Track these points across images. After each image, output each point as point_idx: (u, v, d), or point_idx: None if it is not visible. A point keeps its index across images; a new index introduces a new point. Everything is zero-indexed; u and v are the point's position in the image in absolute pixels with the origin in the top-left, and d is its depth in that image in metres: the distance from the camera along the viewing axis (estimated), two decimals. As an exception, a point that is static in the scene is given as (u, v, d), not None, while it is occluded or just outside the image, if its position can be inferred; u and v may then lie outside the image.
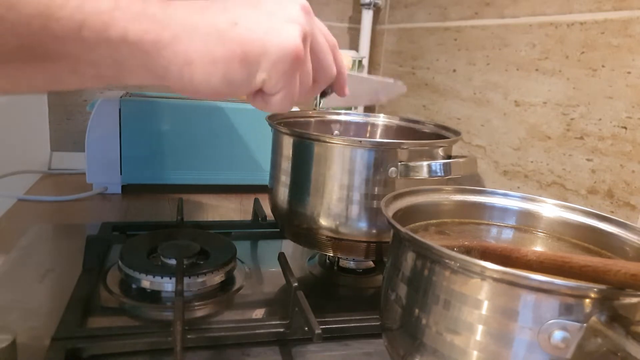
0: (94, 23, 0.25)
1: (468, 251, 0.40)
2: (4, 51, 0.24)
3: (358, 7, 1.10)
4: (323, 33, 0.35)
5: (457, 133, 0.60)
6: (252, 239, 0.69)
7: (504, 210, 0.48)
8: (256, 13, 0.30)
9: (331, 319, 0.47)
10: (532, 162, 0.67)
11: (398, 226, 0.36)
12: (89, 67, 0.26)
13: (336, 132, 0.72)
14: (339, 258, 0.60)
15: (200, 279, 0.52)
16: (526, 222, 0.47)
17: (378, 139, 0.71)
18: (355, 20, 1.14)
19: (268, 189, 0.62)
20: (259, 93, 0.32)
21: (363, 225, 0.53)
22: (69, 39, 0.24)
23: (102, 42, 0.25)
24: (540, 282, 0.29)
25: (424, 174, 0.51)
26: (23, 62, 0.25)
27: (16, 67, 0.25)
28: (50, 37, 0.24)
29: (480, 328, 0.32)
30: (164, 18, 0.27)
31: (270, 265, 0.60)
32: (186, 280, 0.51)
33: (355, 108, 0.49)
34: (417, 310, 0.35)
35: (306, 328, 0.43)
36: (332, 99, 0.41)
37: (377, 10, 1.10)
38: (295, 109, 0.92)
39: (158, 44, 0.26)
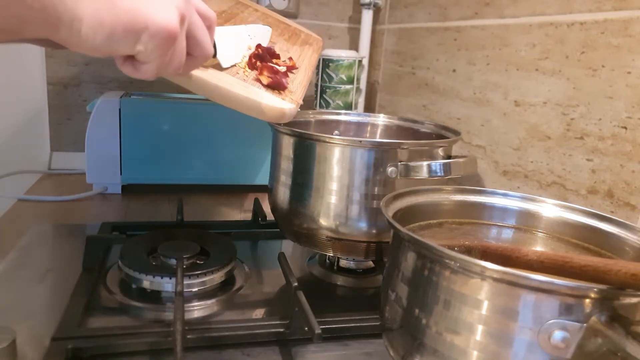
0: None
1: (468, 251, 0.40)
2: None
3: (358, 7, 1.10)
4: (201, 12, 0.39)
5: (457, 133, 0.60)
6: (252, 239, 0.69)
7: (504, 210, 0.48)
8: None
9: (331, 319, 0.47)
10: (532, 162, 0.67)
11: (398, 226, 0.36)
12: None
13: (336, 132, 0.72)
14: (339, 258, 0.60)
15: (200, 279, 0.52)
16: (526, 222, 0.47)
17: (378, 139, 0.71)
18: (355, 20, 1.14)
19: (268, 189, 0.62)
20: (130, 59, 0.36)
21: (363, 225, 0.54)
22: None
23: None
24: (540, 282, 0.29)
25: (424, 174, 0.51)
26: None
27: None
28: None
29: (480, 328, 0.32)
30: None
31: (270, 265, 0.60)
32: (186, 280, 0.51)
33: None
34: (417, 310, 0.35)
35: (306, 328, 0.43)
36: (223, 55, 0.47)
37: (377, 10, 1.10)
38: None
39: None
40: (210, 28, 0.40)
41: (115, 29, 0.32)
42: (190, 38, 0.37)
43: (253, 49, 0.53)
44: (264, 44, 0.55)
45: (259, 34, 0.57)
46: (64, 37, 0.31)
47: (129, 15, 0.32)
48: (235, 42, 0.51)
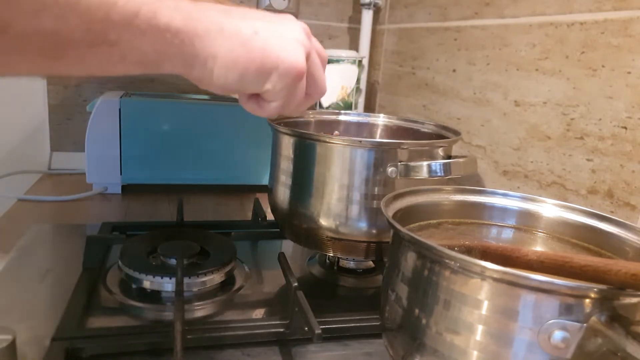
0: (145, 12, 0.28)
1: (469, 251, 0.40)
2: (72, 38, 0.27)
3: (358, 7, 1.10)
4: (317, 51, 0.39)
5: (457, 133, 0.60)
6: (252, 239, 0.69)
7: (504, 210, 0.48)
8: (271, 28, 0.34)
9: (331, 319, 0.47)
10: (532, 162, 0.67)
11: (398, 226, 0.36)
12: (136, 54, 0.30)
13: (336, 132, 0.72)
14: (339, 258, 0.60)
15: (200, 279, 0.52)
16: (526, 222, 0.47)
17: (378, 139, 0.71)
18: (355, 20, 1.14)
19: (268, 189, 0.62)
20: (255, 97, 0.37)
21: (363, 225, 0.54)
22: (124, 26, 0.28)
23: (150, 29, 0.29)
24: (540, 282, 0.29)
25: (424, 174, 0.51)
26: (85, 47, 0.28)
27: (78, 52, 0.28)
28: (110, 24, 0.27)
29: (480, 328, 0.32)
30: (197, 14, 0.31)
31: (270, 265, 0.60)
32: (186, 280, 0.51)
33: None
34: (417, 310, 0.35)
35: (306, 328, 0.43)
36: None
37: (377, 10, 1.10)
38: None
39: (193, 34, 0.31)
40: (324, 67, 0.41)
41: (248, 68, 0.33)
42: (310, 76, 0.38)
43: (345, 88, 0.53)
44: (353, 83, 0.56)
45: (348, 74, 0.57)
46: (197, 75, 0.32)
47: (261, 54, 0.33)
48: (333, 83, 0.52)
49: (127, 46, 0.29)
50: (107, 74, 0.31)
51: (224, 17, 0.33)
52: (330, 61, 1.01)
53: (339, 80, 0.55)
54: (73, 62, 0.29)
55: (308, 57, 0.36)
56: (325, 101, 0.49)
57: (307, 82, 0.37)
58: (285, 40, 0.34)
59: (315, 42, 0.39)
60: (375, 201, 0.53)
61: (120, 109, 0.81)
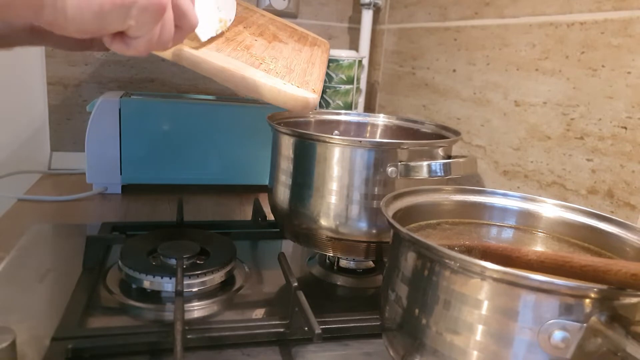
0: None
1: (468, 251, 0.40)
2: None
3: (358, 7, 1.10)
4: None
5: (457, 133, 0.60)
6: (252, 239, 0.69)
7: (504, 210, 0.48)
8: None
9: (331, 319, 0.47)
10: (532, 162, 0.67)
11: (398, 226, 0.36)
12: None
13: (336, 132, 0.72)
14: (339, 258, 0.60)
15: (200, 279, 0.52)
16: (526, 222, 0.47)
17: (378, 139, 0.71)
18: (355, 20, 1.14)
19: (268, 189, 0.62)
20: (119, 36, 0.35)
21: (363, 225, 0.54)
22: None
23: None
24: (540, 282, 0.29)
25: (424, 174, 0.51)
26: None
27: None
28: None
29: (480, 328, 0.32)
30: None
31: (270, 265, 0.60)
32: (186, 280, 0.51)
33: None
34: (417, 310, 0.35)
35: (306, 328, 0.43)
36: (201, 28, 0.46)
37: (377, 10, 1.10)
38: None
39: None
40: None
41: (104, 3, 0.30)
42: (176, 9, 0.36)
43: (225, 22, 0.52)
44: (232, 17, 0.54)
45: (226, 7, 0.55)
46: (48, 18, 0.30)
47: None
48: (207, 14, 0.50)
49: None
50: None
51: None
52: (330, 61, 1.01)
53: (216, 11, 0.53)
54: None
55: None
56: (203, 35, 0.47)
57: (173, 13, 0.36)
58: None
59: None
60: (375, 201, 0.53)
61: (120, 109, 0.81)
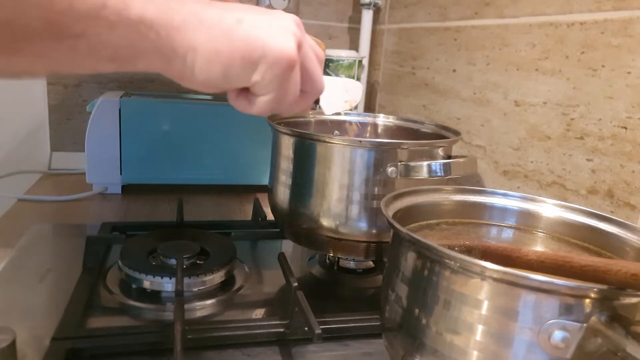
0: (115, 2, 0.26)
1: (468, 251, 0.40)
2: (29, 29, 0.25)
3: (358, 7, 1.10)
4: (312, 47, 0.37)
5: (457, 133, 0.60)
6: (252, 239, 0.69)
7: (504, 210, 0.48)
8: (257, 17, 0.32)
9: (331, 319, 0.47)
10: (532, 162, 0.67)
11: (398, 226, 0.36)
12: (106, 48, 0.27)
13: (336, 132, 0.72)
14: (339, 258, 0.60)
15: (200, 279, 0.52)
16: (526, 222, 0.47)
17: (378, 139, 0.71)
18: (355, 20, 1.14)
19: (268, 189, 0.62)
20: (244, 92, 0.34)
21: (363, 225, 0.53)
22: (91, 17, 0.26)
23: (121, 21, 0.27)
24: (540, 282, 0.29)
25: (424, 174, 0.51)
26: (46, 40, 0.25)
27: (38, 45, 0.26)
28: (74, 16, 0.25)
29: (480, 328, 0.32)
30: (174, 4, 0.29)
31: (270, 265, 0.60)
32: (186, 280, 0.51)
33: (356, 108, 0.54)
34: (417, 310, 0.35)
35: (306, 328, 0.43)
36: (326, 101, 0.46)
37: (377, 10, 1.10)
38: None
39: (170, 26, 0.28)
40: (321, 63, 0.38)
41: (233, 58, 0.30)
42: (304, 70, 0.35)
43: (350, 103, 0.53)
44: (357, 100, 0.55)
45: (354, 90, 0.55)
46: (177, 70, 0.30)
47: (246, 42, 0.30)
48: (335, 92, 0.50)
49: (95, 40, 0.26)
50: (77, 70, 0.29)
51: (204, 7, 0.30)
52: (330, 60, 1.01)
53: (343, 93, 0.53)
54: (33, 56, 0.26)
55: (300, 48, 0.33)
56: (328, 109, 0.47)
57: (301, 77, 0.35)
58: (273, 28, 0.32)
59: (308, 38, 0.37)
60: (375, 201, 0.53)
61: (120, 109, 0.81)
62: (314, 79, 0.36)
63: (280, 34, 0.32)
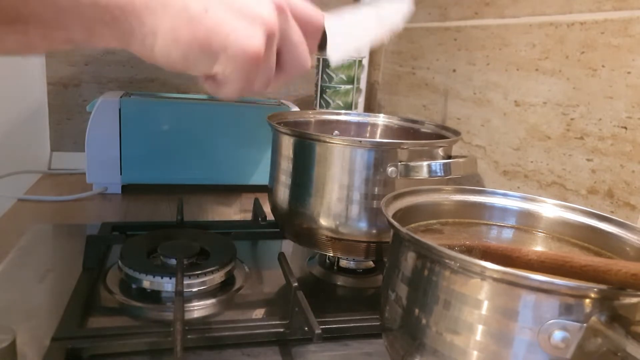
0: None
1: (468, 251, 0.40)
2: None
3: (358, 7, 1.10)
4: (304, 16, 0.35)
5: (457, 133, 0.60)
6: (252, 239, 0.69)
7: (504, 210, 0.48)
8: (226, 6, 0.30)
9: (331, 319, 0.47)
10: (532, 162, 0.67)
11: (398, 226, 0.36)
12: (59, 31, 0.27)
13: (336, 132, 0.72)
14: (339, 258, 0.60)
15: (200, 279, 0.52)
16: (526, 222, 0.47)
17: (378, 139, 0.71)
18: (355, 20, 1.14)
19: (268, 189, 0.62)
20: (212, 77, 0.33)
21: (363, 225, 0.53)
22: (41, 1, 0.25)
23: (74, 4, 0.26)
24: (540, 282, 0.29)
25: (424, 174, 0.51)
26: None
27: None
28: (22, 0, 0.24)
29: (480, 328, 0.32)
30: None
31: (270, 265, 0.60)
32: (186, 280, 0.51)
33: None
34: (417, 310, 0.35)
35: (306, 328, 0.43)
36: (335, 48, 0.39)
37: (377, 10, 1.10)
38: (295, 108, 0.92)
39: (128, 9, 0.27)
40: (313, 34, 0.36)
41: (191, 47, 0.29)
42: (285, 54, 0.34)
43: (383, 38, 0.44)
44: (399, 26, 0.45)
45: (391, 16, 0.46)
46: (136, 50, 0.30)
47: (207, 34, 0.29)
48: (356, 31, 0.42)
49: (47, 24, 0.26)
50: (32, 52, 0.28)
51: None
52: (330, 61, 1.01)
53: (374, 27, 0.43)
54: None
55: (272, 36, 0.32)
56: (336, 57, 0.39)
57: (281, 58, 0.34)
58: (241, 19, 0.30)
59: (304, 4, 0.35)
60: (375, 201, 0.53)
61: (120, 109, 0.81)
62: (296, 61, 0.35)
63: (246, 26, 0.30)
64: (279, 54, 0.34)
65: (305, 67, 0.36)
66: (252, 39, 0.30)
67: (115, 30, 0.28)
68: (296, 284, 0.48)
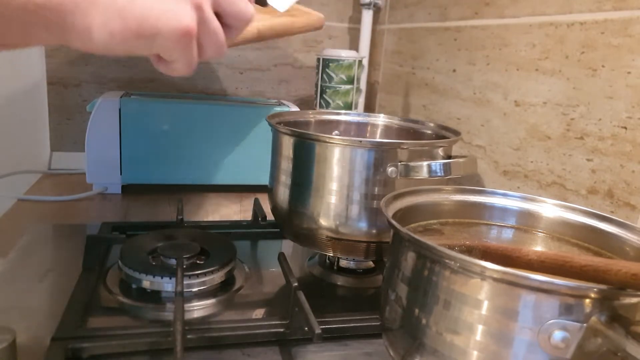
0: None
1: (468, 251, 0.40)
2: None
3: (358, 7, 1.10)
4: None
5: (457, 133, 0.60)
6: (252, 239, 0.69)
7: (504, 210, 0.48)
8: None
9: (331, 319, 0.47)
10: (532, 162, 0.67)
11: (398, 226, 0.36)
12: None
13: (336, 132, 0.72)
14: (339, 258, 0.60)
15: (200, 279, 0.52)
16: (526, 222, 0.47)
17: (378, 139, 0.71)
18: (355, 20, 1.14)
19: (268, 189, 0.62)
20: (160, 58, 0.34)
21: (363, 225, 0.53)
22: None
23: (5, 7, 0.26)
24: (540, 282, 0.29)
25: (424, 174, 0.51)
26: None
27: None
28: None
29: (480, 328, 0.32)
30: None
31: (270, 265, 0.60)
32: (186, 280, 0.51)
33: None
34: (417, 310, 0.35)
35: (306, 328, 0.43)
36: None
37: (377, 10, 1.10)
38: (295, 108, 0.92)
39: (59, 9, 0.28)
40: None
41: (126, 37, 0.30)
42: (224, 15, 0.35)
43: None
44: None
45: None
46: (75, 45, 0.30)
47: (138, 21, 0.30)
48: None
49: None
50: None
51: None
52: (330, 61, 1.01)
53: None
54: None
55: (201, 8, 0.32)
56: (282, 5, 0.42)
57: (222, 18, 0.34)
58: (167, 0, 0.31)
59: None
60: (375, 201, 0.53)
61: (120, 109, 0.81)
62: (238, 14, 0.35)
63: (172, 6, 0.31)
64: (219, 15, 0.35)
65: (248, 16, 0.37)
66: (181, 16, 0.31)
67: (51, 31, 0.29)
68: (296, 284, 0.48)
